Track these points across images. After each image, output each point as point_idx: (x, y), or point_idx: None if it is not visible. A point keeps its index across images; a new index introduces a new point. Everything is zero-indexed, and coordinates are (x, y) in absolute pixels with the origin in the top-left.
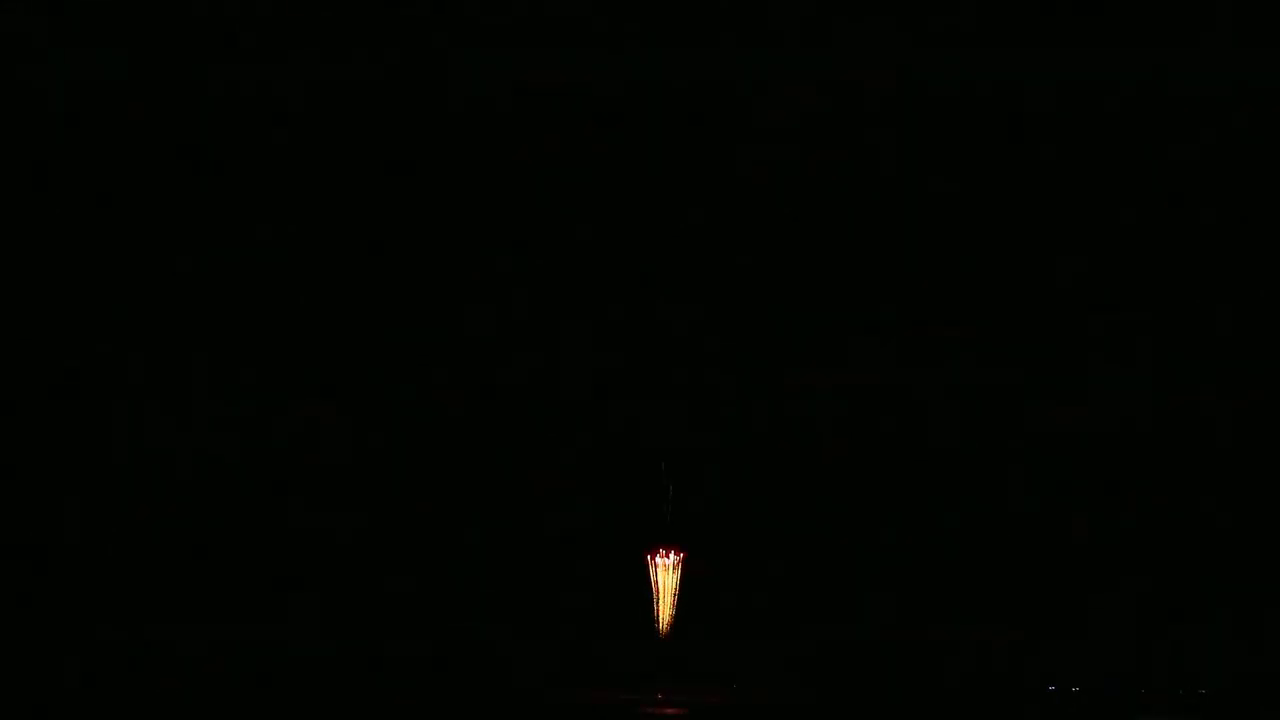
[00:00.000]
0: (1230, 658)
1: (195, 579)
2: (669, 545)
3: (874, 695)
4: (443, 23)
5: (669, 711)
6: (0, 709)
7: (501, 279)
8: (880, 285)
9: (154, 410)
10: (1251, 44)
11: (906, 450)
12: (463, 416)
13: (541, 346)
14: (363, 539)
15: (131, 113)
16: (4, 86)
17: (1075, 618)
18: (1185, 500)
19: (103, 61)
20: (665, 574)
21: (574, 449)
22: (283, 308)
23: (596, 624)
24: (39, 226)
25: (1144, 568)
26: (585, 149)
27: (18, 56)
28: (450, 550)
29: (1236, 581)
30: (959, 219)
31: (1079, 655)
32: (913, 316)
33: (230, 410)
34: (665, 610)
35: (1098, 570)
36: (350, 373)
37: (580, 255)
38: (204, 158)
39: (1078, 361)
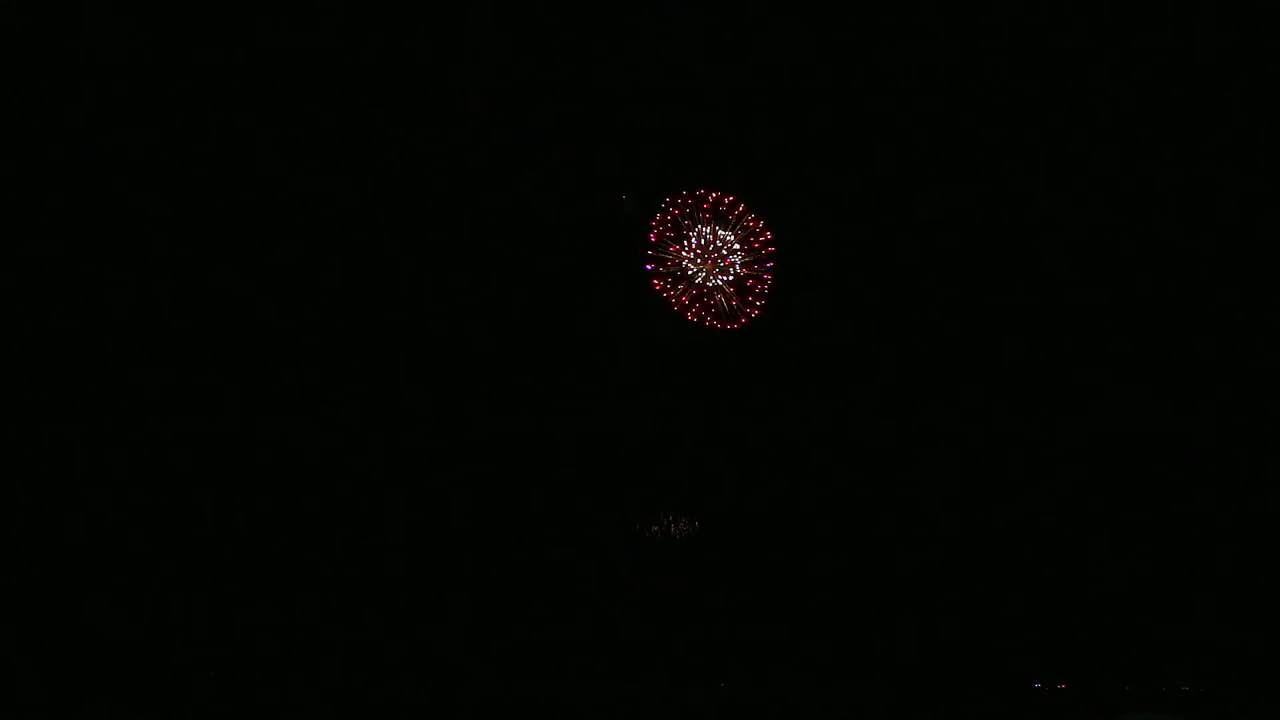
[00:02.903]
0: (1216, 654)
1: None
2: None
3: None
4: None
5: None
6: None
7: None
8: None
9: None
10: None
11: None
12: None
13: None
14: None
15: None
16: None
17: (1062, 613)
18: (1173, 495)
19: None
20: None
21: None
22: None
23: None
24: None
25: (1133, 563)
26: None
27: None
28: None
29: (1224, 577)
30: None
31: (1064, 651)
32: None
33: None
34: None
35: (1084, 565)
36: None
37: None
38: None
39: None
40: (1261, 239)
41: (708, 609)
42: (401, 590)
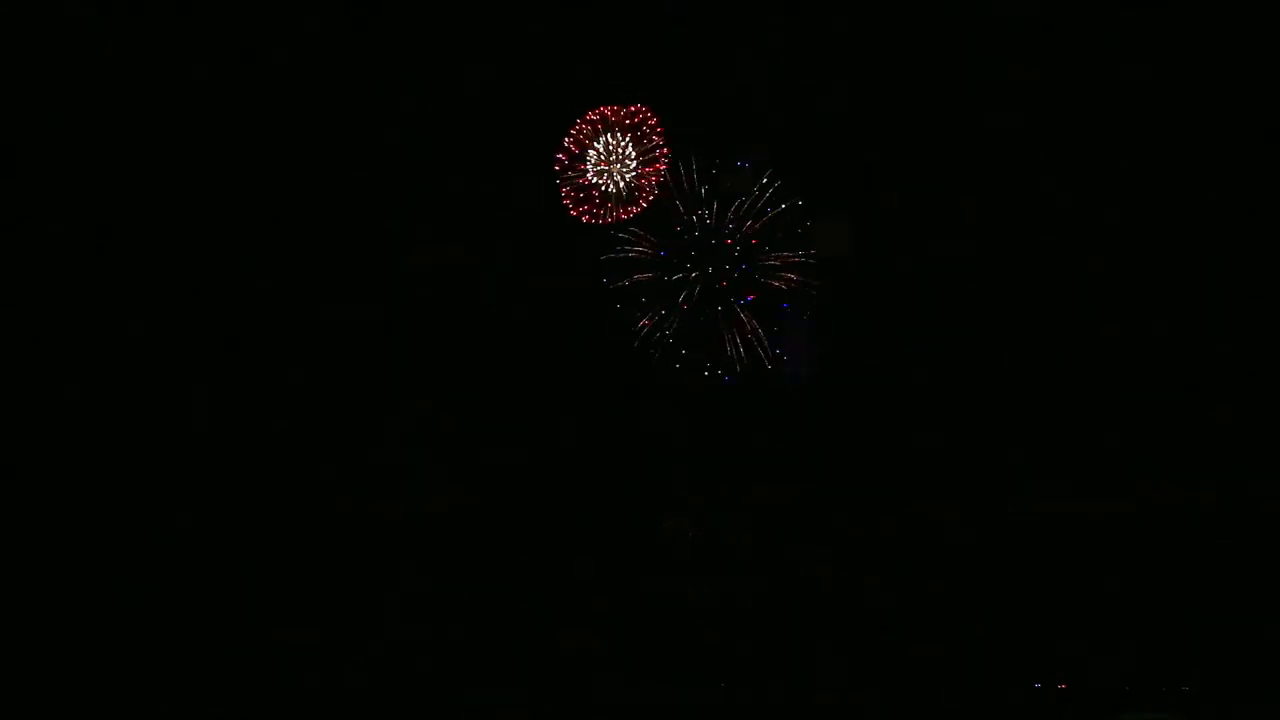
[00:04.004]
0: (1216, 654)
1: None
2: None
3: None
4: None
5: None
6: None
7: None
8: None
9: None
10: None
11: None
12: None
13: None
14: None
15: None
16: None
17: (1062, 613)
18: (1173, 495)
19: None
20: None
21: None
22: None
23: None
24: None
25: (1131, 563)
26: None
27: None
28: None
29: (1223, 578)
30: None
31: (1063, 651)
32: None
33: None
34: None
35: (1084, 565)
36: None
37: None
38: None
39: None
40: None
41: (706, 610)
42: (396, 592)
